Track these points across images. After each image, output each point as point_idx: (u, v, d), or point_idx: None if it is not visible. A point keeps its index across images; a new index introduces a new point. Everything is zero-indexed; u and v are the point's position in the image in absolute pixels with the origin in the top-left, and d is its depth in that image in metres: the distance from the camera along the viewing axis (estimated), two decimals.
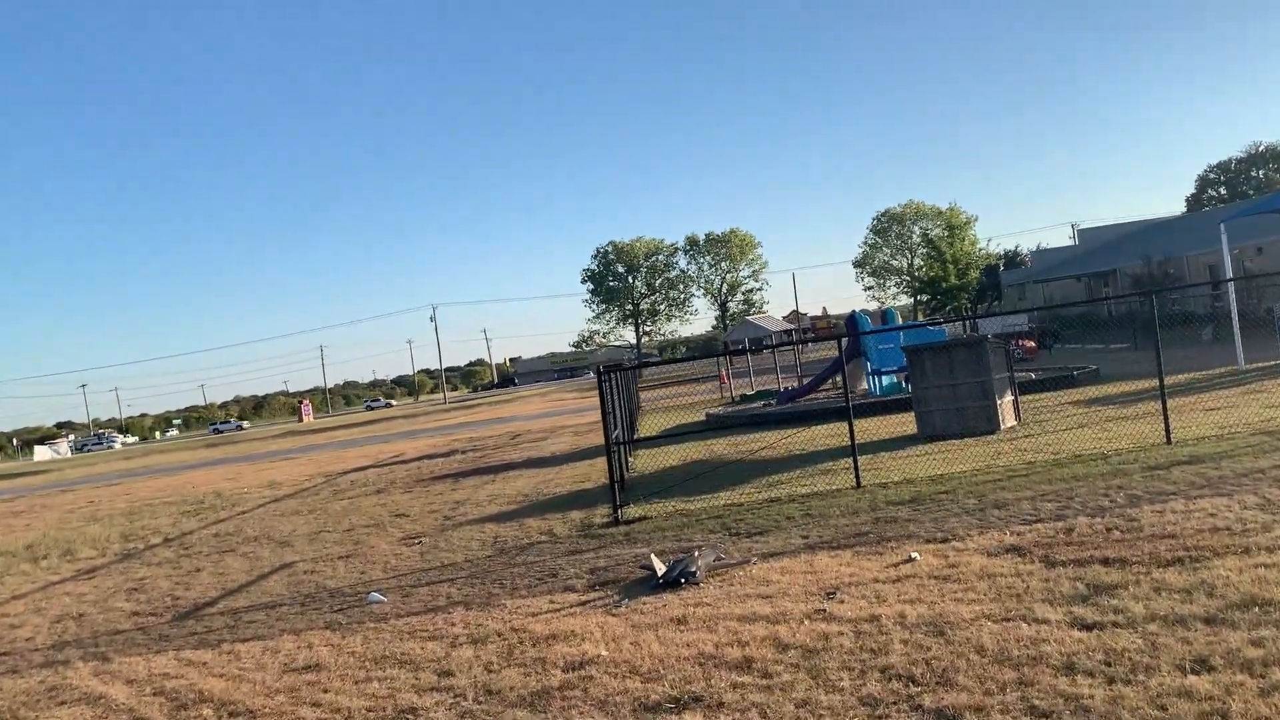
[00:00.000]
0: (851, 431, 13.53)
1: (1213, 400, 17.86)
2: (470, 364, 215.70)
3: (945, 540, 9.62)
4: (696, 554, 9.90)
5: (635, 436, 25.41)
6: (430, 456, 31.63)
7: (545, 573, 10.87)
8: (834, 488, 13.58)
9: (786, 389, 33.58)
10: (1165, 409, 13.54)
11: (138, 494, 33.31)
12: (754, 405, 30.82)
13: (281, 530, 17.91)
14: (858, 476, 13.44)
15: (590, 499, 15.80)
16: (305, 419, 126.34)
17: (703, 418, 28.04)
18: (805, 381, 31.91)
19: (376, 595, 10.80)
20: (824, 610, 7.71)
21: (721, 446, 20.08)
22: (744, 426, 23.82)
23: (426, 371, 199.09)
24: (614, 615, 8.60)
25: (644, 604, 8.86)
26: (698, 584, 9.28)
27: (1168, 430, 13.52)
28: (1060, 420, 18.05)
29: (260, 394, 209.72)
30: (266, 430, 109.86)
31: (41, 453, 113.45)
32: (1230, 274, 24.82)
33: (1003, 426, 17.70)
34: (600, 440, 16.92)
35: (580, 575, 10.47)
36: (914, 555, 9.11)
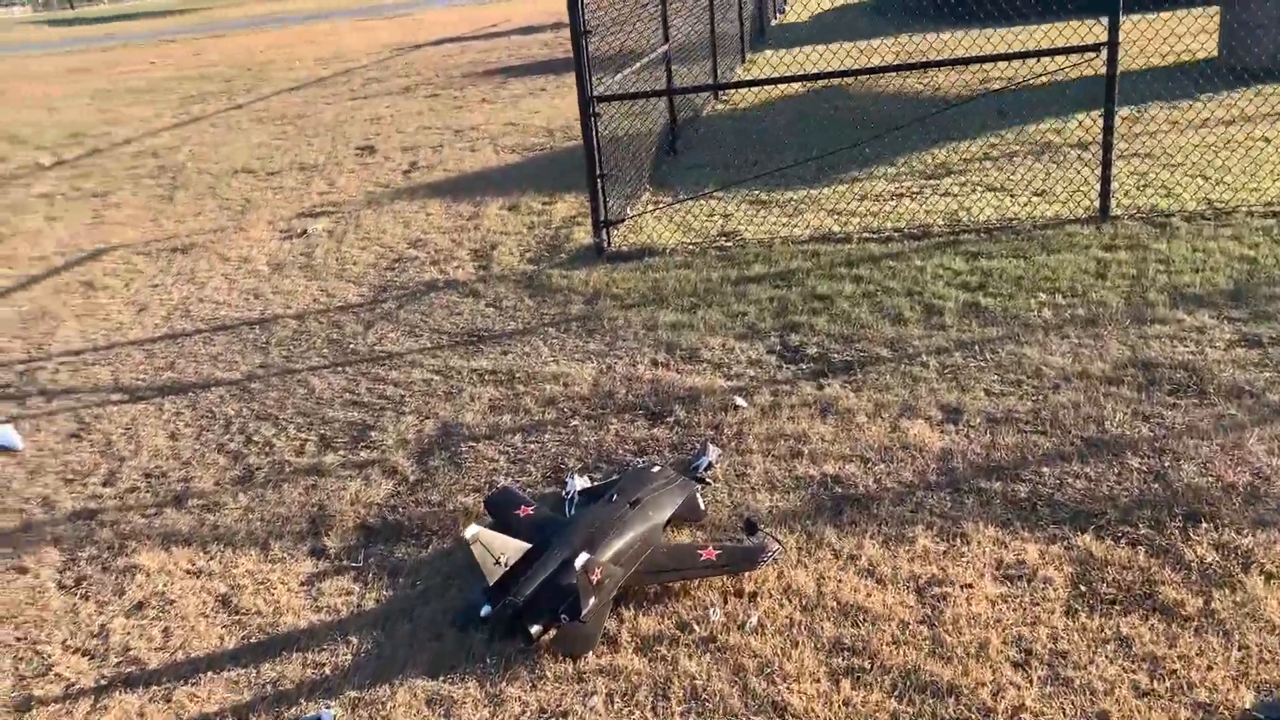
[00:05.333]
0: (1113, 59, 6.22)
1: None
2: None
3: None
4: (628, 495, 3.61)
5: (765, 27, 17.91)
6: (529, 29, 24.92)
7: (349, 444, 4.86)
8: (1048, 214, 6.61)
9: None
10: None
11: (218, 50, 28.17)
12: None
13: (217, 156, 12.32)
14: (1106, 189, 6.37)
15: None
16: None
17: None
18: None
19: (9, 435, 5.14)
20: None
21: (879, 43, 12.58)
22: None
23: None
24: None
25: None
26: (578, 645, 3.13)
27: None
28: None
29: None
30: None
31: None
32: None
33: None
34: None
35: (400, 468, 4.44)
36: None
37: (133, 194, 10.79)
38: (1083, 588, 3.16)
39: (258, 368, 5.75)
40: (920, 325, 5.14)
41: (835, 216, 7.00)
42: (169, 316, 6.79)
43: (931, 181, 7.54)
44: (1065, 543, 3.37)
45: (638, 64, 7.88)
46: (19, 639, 3.56)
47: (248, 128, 14.42)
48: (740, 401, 4.57)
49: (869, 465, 3.97)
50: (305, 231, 8.44)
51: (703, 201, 7.61)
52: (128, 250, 8.58)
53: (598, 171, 6.57)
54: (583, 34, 6.22)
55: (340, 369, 5.57)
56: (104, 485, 4.60)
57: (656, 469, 3.82)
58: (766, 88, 10.39)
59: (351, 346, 5.88)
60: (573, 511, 3.79)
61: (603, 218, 6.68)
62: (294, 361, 5.77)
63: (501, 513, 3.77)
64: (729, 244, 6.69)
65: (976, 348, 4.82)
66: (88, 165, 12.88)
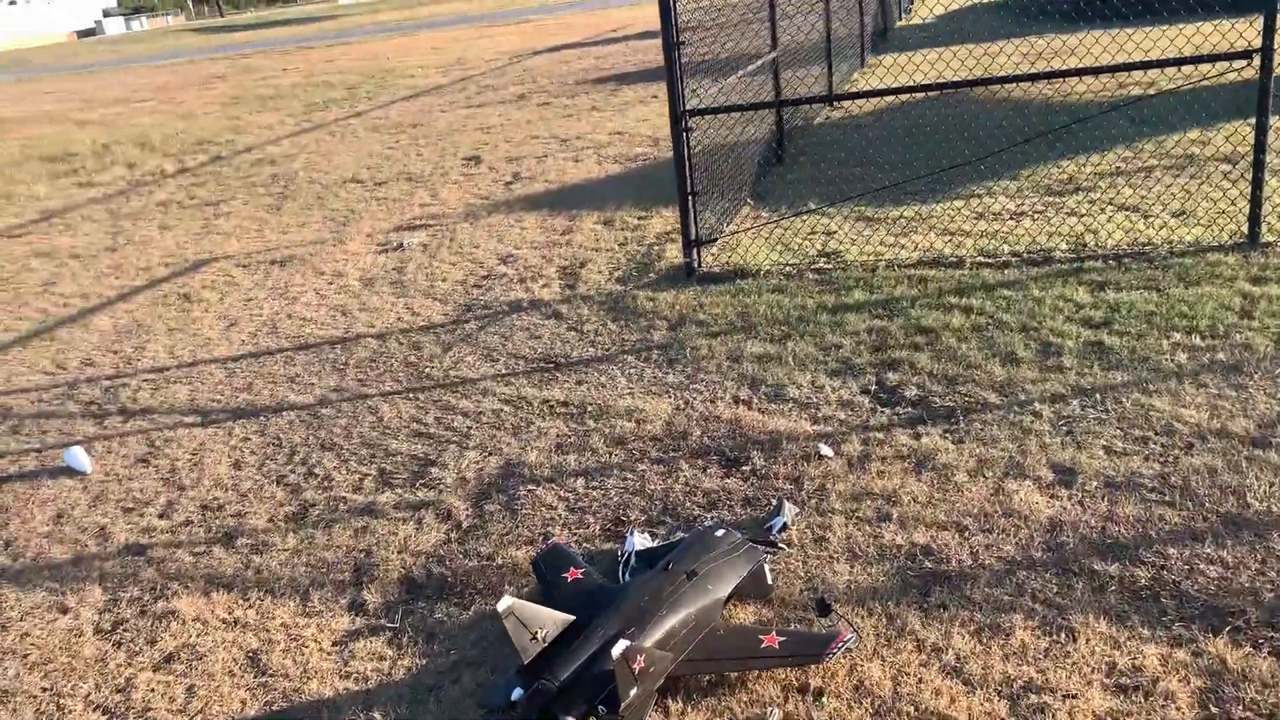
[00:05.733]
0: (1268, 65, 5.54)
1: None
2: None
3: None
4: (685, 563, 3.24)
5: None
6: (648, 34, 24.70)
7: (408, 481, 4.63)
8: (1186, 240, 5.95)
9: None
10: None
11: (349, 57, 28.89)
12: None
13: (329, 165, 12.43)
14: (1257, 212, 5.69)
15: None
16: None
17: None
18: None
19: (79, 458, 5.07)
20: None
21: (1002, 47, 11.80)
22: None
23: None
24: None
25: None
26: None
27: None
28: None
29: None
30: None
31: None
32: None
33: None
34: None
35: (455, 512, 4.17)
36: None
37: (244, 203, 10.93)
38: (1213, 709, 2.65)
39: (331, 391, 5.59)
40: (1035, 367, 4.61)
41: (947, 237, 6.48)
42: (255, 334, 6.72)
43: (1056, 199, 6.93)
44: (1193, 647, 2.86)
45: (740, 72, 7.48)
46: (45, 689, 3.41)
47: (363, 136, 14.56)
48: (826, 451, 4.15)
49: (965, 535, 3.51)
50: (401, 245, 8.33)
51: (804, 218, 7.16)
52: (229, 262, 8.62)
53: (689, 189, 6.21)
54: (675, 45, 5.87)
55: (412, 395, 5.36)
56: (160, 517, 4.47)
57: (721, 533, 3.44)
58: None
59: (427, 370, 5.67)
60: (627, 576, 3.44)
61: (693, 237, 6.32)
62: (368, 385, 5.58)
63: (548, 574, 3.45)
64: (829, 266, 6.24)
65: (1097, 396, 4.28)
66: (207, 173, 13.18)
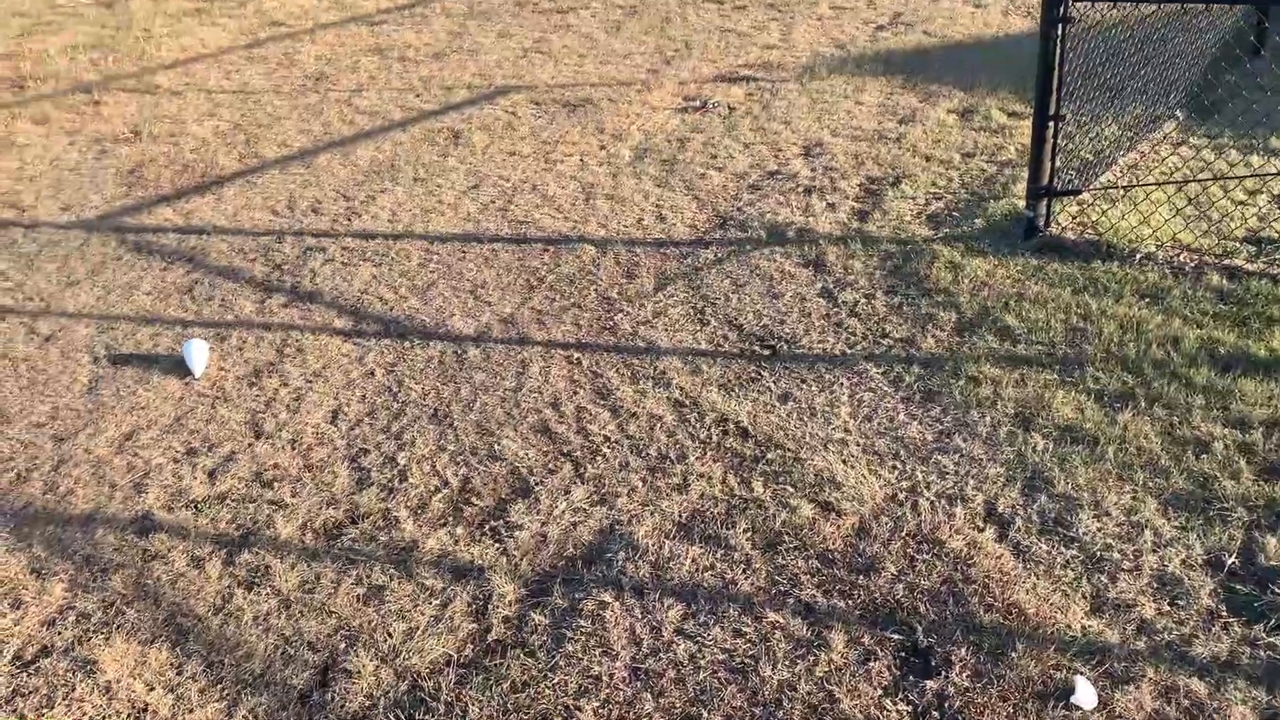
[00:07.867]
0: None
1: None
2: None
3: None
4: None
5: None
6: None
7: (479, 519, 3.37)
8: None
9: None
10: None
11: None
12: None
13: (602, 26, 10.87)
14: None
15: None
16: None
17: None
18: None
19: (196, 355, 4.31)
20: None
21: None
22: None
23: None
24: None
25: None
26: None
27: None
28: None
29: None
30: None
31: None
32: None
33: None
34: None
35: (493, 609, 2.90)
36: None
37: (592, 15, 9.73)
38: None
39: (499, 322, 4.38)
40: None
41: None
42: (486, 207, 5.63)
43: None
44: None
45: None
46: None
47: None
48: (1083, 694, 2.32)
49: None
50: (705, 106, 6.77)
51: (1248, 162, 4.68)
52: (527, 94, 7.53)
53: (1051, 110, 4.07)
54: None
55: (577, 357, 4.02)
56: (208, 477, 3.59)
57: None
58: None
59: (618, 318, 4.27)
60: None
61: (1044, 183, 4.21)
62: (542, 323, 4.31)
63: None
64: (1251, 268, 3.92)
65: None
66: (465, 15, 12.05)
